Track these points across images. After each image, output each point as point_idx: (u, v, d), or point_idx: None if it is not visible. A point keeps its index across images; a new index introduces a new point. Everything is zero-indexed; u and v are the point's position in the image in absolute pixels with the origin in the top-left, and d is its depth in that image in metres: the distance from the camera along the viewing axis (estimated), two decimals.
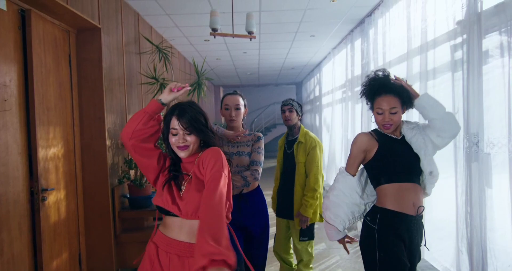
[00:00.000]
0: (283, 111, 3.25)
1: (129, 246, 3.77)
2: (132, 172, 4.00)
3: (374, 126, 2.24)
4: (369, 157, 2.15)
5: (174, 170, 1.77)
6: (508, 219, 2.37)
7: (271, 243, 3.15)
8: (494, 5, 2.54)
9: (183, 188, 1.72)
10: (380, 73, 2.18)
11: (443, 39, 3.12)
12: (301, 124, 3.30)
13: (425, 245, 2.18)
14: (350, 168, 2.20)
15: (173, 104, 1.80)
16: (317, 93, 9.63)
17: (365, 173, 2.24)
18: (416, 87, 3.42)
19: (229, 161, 1.78)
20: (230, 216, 1.76)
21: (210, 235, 1.44)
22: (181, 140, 1.71)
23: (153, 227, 3.95)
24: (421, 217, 2.13)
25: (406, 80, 2.17)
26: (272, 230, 3.56)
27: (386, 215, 2.08)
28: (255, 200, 2.71)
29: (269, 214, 2.81)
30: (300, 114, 3.28)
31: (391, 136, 2.17)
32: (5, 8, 2.51)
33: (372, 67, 4.79)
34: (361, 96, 2.25)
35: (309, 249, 3.22)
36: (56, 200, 3.04)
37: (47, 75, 2.97)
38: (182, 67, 7.22)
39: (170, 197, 1.71)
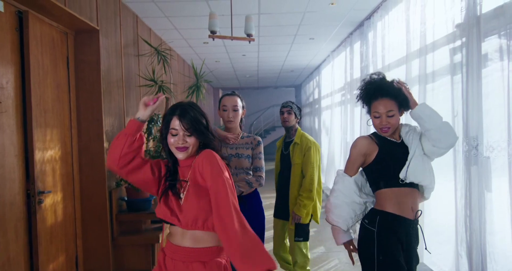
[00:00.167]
0: (281, 113, 3.31)
1: (126, 249, 3.75)
2: None
3: (373, 129, 2.23)
4: (369, 160, 2.13)
5: (171, 179, 1.73)
6: (507, 223, 2.35)
7: (270, 246, 3.14)
8: (493, 8, 2.53)
9: (182, 196, 1.68)
10: (376, 76, 2.16)
11: (442, 42, 3.11)
12: (299, 127, 3.34)
13: (425, 248, 2.17)
14: (349, 171, 2.18)
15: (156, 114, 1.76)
16: (316, 96, 9.63)
17: (362, 173, 2.23)
18: (415, 90, 3.42)
19: (227, 164, 1.75)
20: None
21: (248, 258, 1.44)
22: (180, 140, 1.66)
23: (151, 230, 3.94)
24: (417, 220, 2.13)
25: (407, 86, 2.15)
26: (270, 233, 3.54)
27: (386, 218, 2.07)
28: (253, 203, 2.72)
29: (265, 217, 2.81)
30: (299, 117, 3.32)
31: (391, 139, 2.15)
32: (2, 9, 2.50)
33: (371, 70, 4.79)
34: (358, 101, 2.24)
35: (304, 250, 3.23)
36: (53, 202, 3.03)
37: (44, 77, 2.96)
38: (181, 69, 7.22)
39: (168, 209, 1.67)
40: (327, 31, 5.86)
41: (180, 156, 1.69)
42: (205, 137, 1.69)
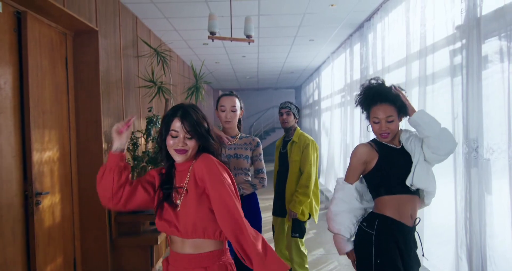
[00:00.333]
0: (280, 114, 3.33)
1: (125, 251, 3.74)
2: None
3: (372, 134, 2.22)
4: (369, 168, 2.12)
5: (167, 188, 1.68)
6: (508, 226, 2.34)
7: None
8: (493, 10, 2.53)
9: (179, 203, 1.63)
10: (374, 81, 2.15)
11: (442, 44, 3.11)
12: (298, 127, 3.36)
13: (423, 255, 2.16)
14: (349, 179, 2.16)
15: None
16: (316, 98, 9.63)
17: (363, 180, 2.22)
18: (415, 92, 3.41)
19: (227, 164, 1.72)
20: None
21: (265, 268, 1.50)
22: (180, 143, 1.61)
23: (149, 231, 3.92)
24: (415, 227, 2.13)
25: (405, 93, 2.13)
26: (266, 235, 3.53)
27: (385, 222, 2.05)
28: (251, 203, 2.72)
29: (262, 217, 2.82)
30: (297, 117, 3.35)
31: (391, 145, 2.13)
32: (0, 10, 2.49)
33: (371, 72, 4.78)
34: (356, 106, 2.23)
35: (300, 247, 3.24)
36: (50, 203, 3.01)
37: (43, 78, 2.95)
38: (180, 70, 7.21)
39: (166, 222, 1.64)
40: (327, 33, 5.86)
41: (178, 159, 1.64)
42: (205, 140, 1.64)
